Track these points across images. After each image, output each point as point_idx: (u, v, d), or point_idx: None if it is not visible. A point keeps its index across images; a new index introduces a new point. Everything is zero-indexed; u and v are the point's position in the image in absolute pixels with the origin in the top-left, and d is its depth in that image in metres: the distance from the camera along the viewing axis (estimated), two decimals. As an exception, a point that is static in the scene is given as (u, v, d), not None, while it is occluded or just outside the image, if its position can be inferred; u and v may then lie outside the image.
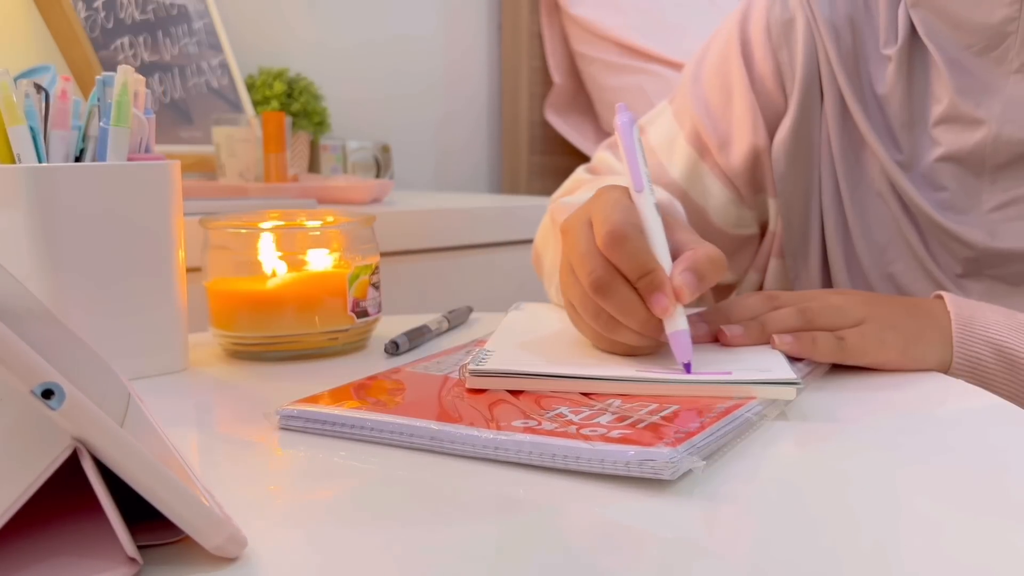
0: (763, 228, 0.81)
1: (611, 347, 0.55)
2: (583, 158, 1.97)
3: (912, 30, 0.70)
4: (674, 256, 0.53)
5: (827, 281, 0.77)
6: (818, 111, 0.75)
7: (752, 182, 0.78)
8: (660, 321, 0.52)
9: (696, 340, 0.56)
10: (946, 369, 0.57)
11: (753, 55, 0.76)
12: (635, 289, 0.51)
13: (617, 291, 0.51)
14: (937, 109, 0.70)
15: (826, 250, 0.76)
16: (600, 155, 0.87)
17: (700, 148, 0.78)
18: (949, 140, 0.69)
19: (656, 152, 0.80)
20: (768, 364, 0.52)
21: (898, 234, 0.73)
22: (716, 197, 0.78)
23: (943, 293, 0.61)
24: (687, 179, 0.79)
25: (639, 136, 0.56)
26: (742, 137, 0.76)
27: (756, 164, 0.77)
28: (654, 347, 0.54)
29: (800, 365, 0.55)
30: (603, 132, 1.95)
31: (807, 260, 0.77)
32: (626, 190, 0.55)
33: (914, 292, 0.72)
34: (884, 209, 0.73)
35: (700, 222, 0.79)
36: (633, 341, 0.53)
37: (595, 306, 0.53)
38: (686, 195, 0.79)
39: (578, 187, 0.84)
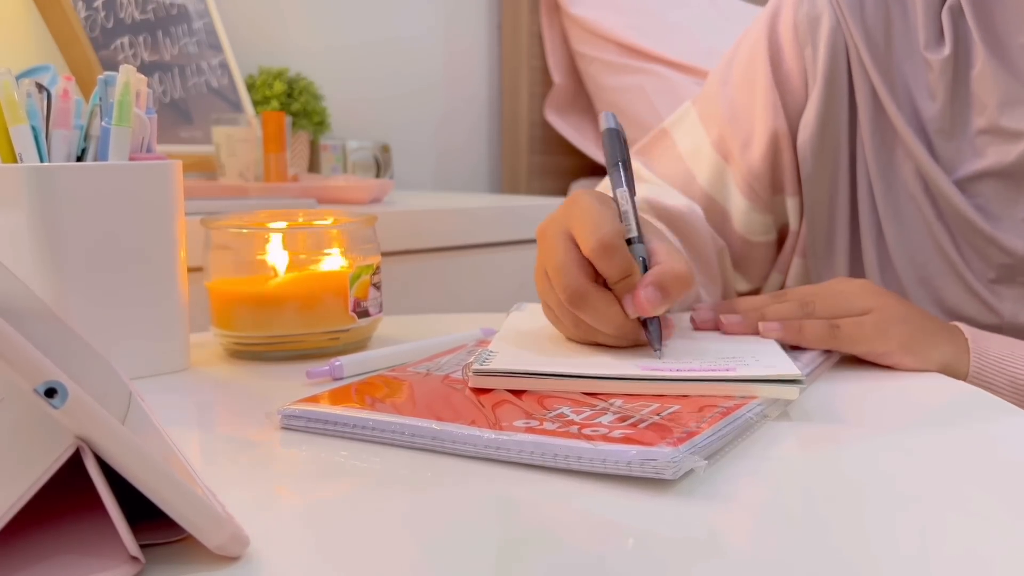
0: (782, 232, 0.81)
1: (589, 342, 0.56)
2: (583, 158, 1.97)
3: (957, 37, 0.70)
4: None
5: None
6: (844, 110, 0.75)
7: (771, 181, 0.78)
8: (636, 325, 0.54)
9: (700, 326, 0.61)
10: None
11: (781, 53, 0.76)
12: (610, 297, 0.53)
13: (593, 302, 0.53)
14: (979, 120, 0.70)
15: (860, 251, 0.76)
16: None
17: (725, 153, 0.79)
18: (991, 152, 0.69)
19: (684, 159, 0.81)
20: (771, 361, 0.52)
21: (929, 237, 0.72)
22: (738, 204, 0.79)
23: (959, 324, 0.61)
24: (712, 185, 0.79)
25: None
26: (763, 126, 0.76)
27: (776, 156, 0.76)
28: (631, 344, 0.55)
29: (803, 362, 0.55)
30: (603, 132, 1.95)
31: (831, 261, 0.77)
32: (603, 195, 0.56)
33: (948, 296, 0.72)
34: (916, 212, 0.73)
35: (724, 227, 0.79)
36: (610, 343, 0.55)
37: (573, 315, 0.54)
38: (712, 200, 0.79)
39: None
